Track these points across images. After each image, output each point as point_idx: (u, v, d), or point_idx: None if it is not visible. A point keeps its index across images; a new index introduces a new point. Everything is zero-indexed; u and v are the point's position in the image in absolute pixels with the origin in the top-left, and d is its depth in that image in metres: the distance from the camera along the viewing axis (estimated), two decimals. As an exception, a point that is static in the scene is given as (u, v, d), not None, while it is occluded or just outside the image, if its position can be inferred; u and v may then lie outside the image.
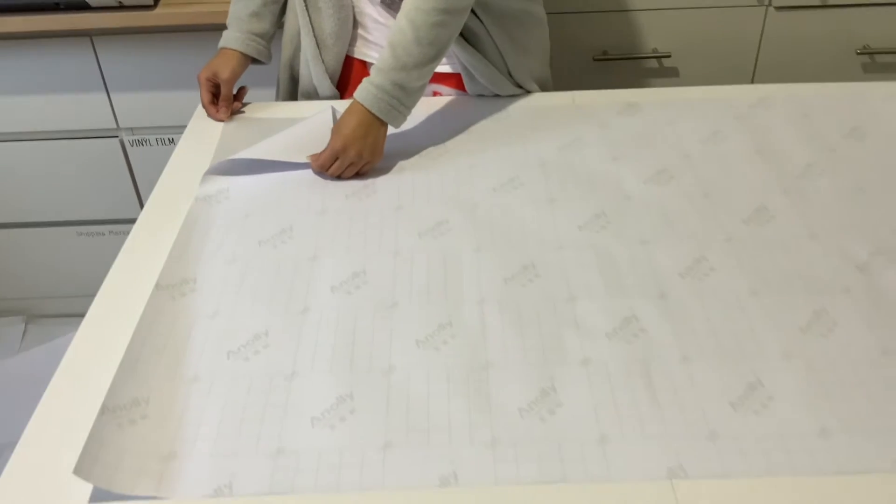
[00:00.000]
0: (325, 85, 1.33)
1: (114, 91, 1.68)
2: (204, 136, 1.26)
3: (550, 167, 1.15)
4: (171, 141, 1.75)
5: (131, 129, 1.75)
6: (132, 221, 1.96)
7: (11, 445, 0.77)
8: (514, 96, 1.33)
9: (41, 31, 1.55)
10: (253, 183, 1.14)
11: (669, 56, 1.66)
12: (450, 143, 1.22)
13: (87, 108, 1.70)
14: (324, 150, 1.14)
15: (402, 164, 1.18)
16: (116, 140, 1.75)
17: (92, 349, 0.89)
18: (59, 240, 1.91)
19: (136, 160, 1.79)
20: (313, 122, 1.22)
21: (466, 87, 1.32)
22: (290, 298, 0.94)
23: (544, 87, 1.36)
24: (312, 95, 1.36)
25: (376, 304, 0.93)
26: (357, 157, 1.13)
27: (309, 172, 1.16)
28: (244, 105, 1.33)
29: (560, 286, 0.94)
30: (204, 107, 1.29)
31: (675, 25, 1.64)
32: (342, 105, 1.26)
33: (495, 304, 0.92)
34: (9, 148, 1.75)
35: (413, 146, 1.21)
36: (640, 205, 1.07)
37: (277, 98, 1.41)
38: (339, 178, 1.14)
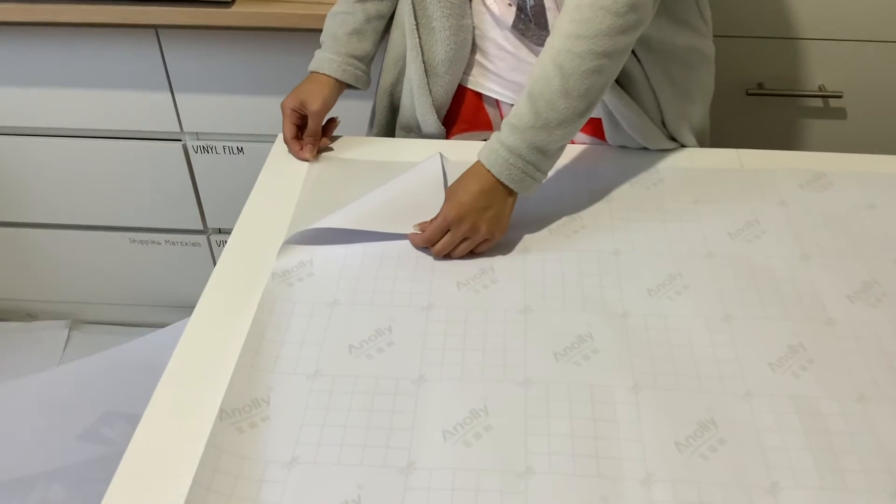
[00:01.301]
0: (430, 120, 1.08)
1: (179, 91, 1.46)
2: (284, 177, 1.03)
3: (721, 264, 0.90)
4: (240, 150, 1.53)
5: (196, 133, 1.53)
6: (191, 232, 1.78)
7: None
8: (665, 151, 1.07)
9: (103, 22, 1.33)
10: (341, 257, 0.91)
11: (840, 96, 1.37)
12: (587, 214, 0.97)
13: (149, 108, 1.49)
14: (433, 220, 0.90)
15: (526, 240, 0.94)
16: (179, 144, 1.54)
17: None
18: (110, 245, 1.72)
19: (200, 167, 1.57)
20: (417, 177, 0.98)
21: (607, 135, 1.06)
22: (389, 452, 0.71)
23: (701, 139, 1.10)
24: (413, 129, 1.12)
25: (502, 460, 0.70)
26: (473, 232, 0.89)
27: (408, 245, 0.92)
28: (332, 141, 1.09)
29: (754, 456, 0.70)
30: (286, 142, 1.06)
31: (848, 59, 1.35)
32: (450, 148, 1.02)
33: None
34: (62, 144, 1.55)
35: (539, 213, 0.97)
36: (849, 335, 0.82)
37: (371, 128, 1.17)
38: (447, 256, 0.90)
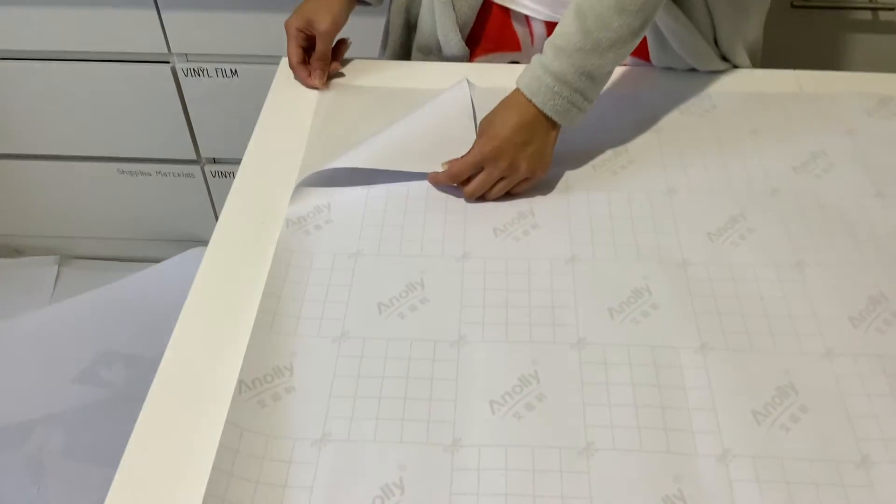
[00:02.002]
0: (452, 39, 0.96)
1: (165, 8, 1.32)
2: (291, 107, 0.92)
3: (787, 203, 0.80)
4: (234, 73, 1.40)
5: (185, 55, 1.40)
6: (183, 162, 1.66)
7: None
8: (716, 73, 0.96)
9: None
10: (362, 201, 0.81)
11: (893, 8, 1.25)
12: (634, 147, 0.87)
13: (133, 27, 1.35)
14: (464, 156, 0.80)
15: (568, 177, 0.84)
16: (167, 67, 1.41)
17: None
18: (97, 176, 1.60)
19: (191, 92, 1.45)
20: (443, 107, 0.87)
21: (652, 55, 0.95)
22: (431, 427, 0.63)
23: (754, 59, 0.99)
24: (433, 51, 1.00)
25: (560, 435, 0.62)
26: (512, 171, 0.79)
27: (438, 187, 0.82)
28: (342, 65, 0.97)
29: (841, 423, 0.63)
30: (292, 67, 0.94)
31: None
32: (474, 72, 0.91)
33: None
34: (42, 69, 1.42)
35: (580, 145, 0.86)
36: (937, 284, 0.73)
37: (384, 51, 1.05)
38: (481, 198, 0.80)
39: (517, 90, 0.79)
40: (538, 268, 0.74)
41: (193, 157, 1.55)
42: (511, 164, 0.78)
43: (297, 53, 0.93)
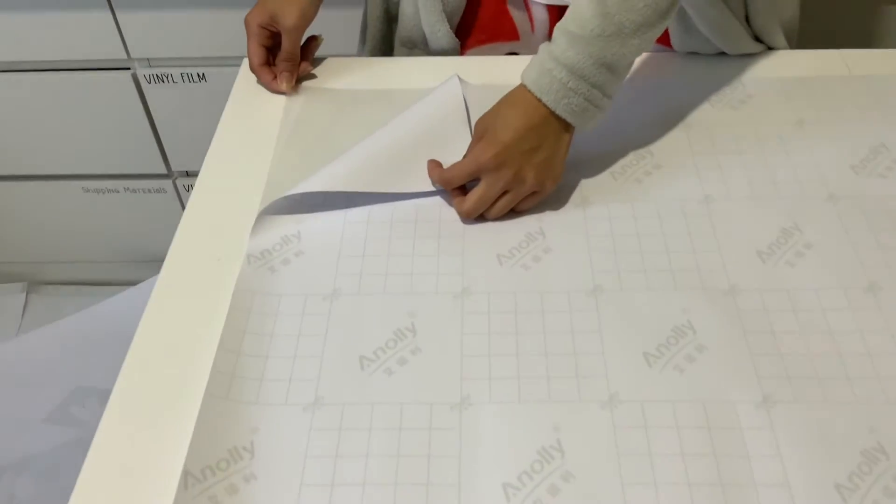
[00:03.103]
0: (439, 30, 0.83)
1: (120, 8, 1.19)
2: (254, 116, 0.79)
3: (849, 210, 0.67)
4: (202, 77, 1.27)
5: (147, 59, 1.26)
6: (153, 177, 1.51)
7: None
8: (749, 57, 0.82)
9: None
10: (338, 228, 0.67)
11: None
12: (660, 148, 0.73)
13: (87, 31, 1.22)
14: (458, 163, 0.67)
15: (583, 188, 0.70)
16: (128, 74, 1.27)
17: None
18: (61, 196, 1.47)
19: (156, 101, 1.31)
20: (432, 110, 0.73)
21: (674, 39, 0.81)
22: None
23: (790, 39, 0.85)
24: (417, 45, 0.87)
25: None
26: (517, 183, 0.65)
27: (426, 206, 0.69)
28: (314, 65, 0.84)
29: None
30: (253, 69, 0.81)
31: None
32: (466, 66, 0.78)
33: None
34: (-13, 80, 1.29)
35: (597, 149, 0.73)
36: None
37: (363, 47, 0.91)
38: (480, 217, 0.67)
39: (522, 87, 0.65)
40: (554, 303, 0.61)
41: (163, 170, 1.41)
42: (516, 175, 0.65)
43: (259, 54, 0.79)
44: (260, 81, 0.81)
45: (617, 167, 0.72)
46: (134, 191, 1.45)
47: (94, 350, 1.54)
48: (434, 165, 0.69)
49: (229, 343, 0.58)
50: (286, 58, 0.79)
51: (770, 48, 0.83)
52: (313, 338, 0.59)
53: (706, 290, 0.61)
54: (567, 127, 0.65)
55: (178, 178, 1.43)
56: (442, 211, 0.68)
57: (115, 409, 0.56)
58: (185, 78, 1.27)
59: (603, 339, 0.58)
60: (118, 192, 1.45)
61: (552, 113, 0.64)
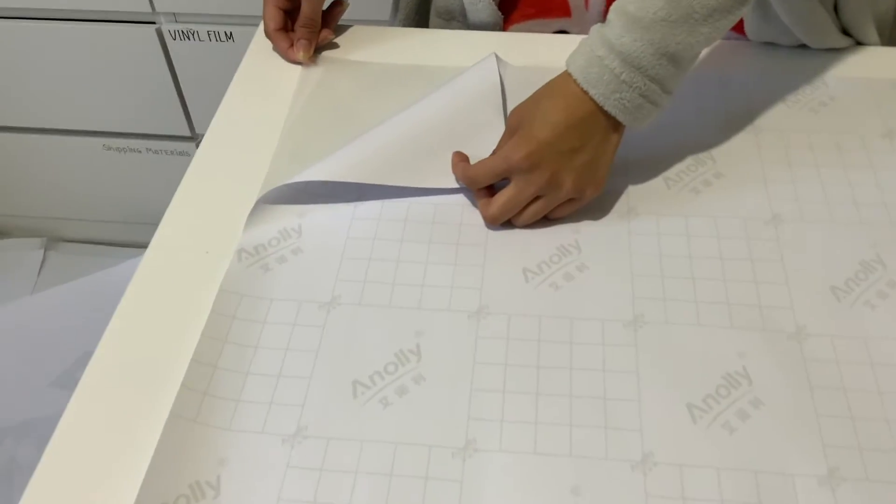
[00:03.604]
0: (481, 1, 0.73)
1: (145, -43, 1.11)
2: (265, 90, 0.70)
3: (947, 243, 0.57)
4: (229, 36, 1.19)
5: (173, 14, 1.19)
6: (177, 139, 1.44)
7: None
8: (834, 52, 0.71)
9: None
10: (345, 222, 0.59)
11: None
12: (723, 154, 0.63)
13: (109, -20, 1.15)
14: (486, 159, 0.58)
15: (630, 195, 0.60)
16: (153, 29, 1.20)
17: None
18: (82, 153, 1.41)
19: (181, 59, 1.24)
20: (464, 94, 0.64)
21: (748, 27, 0.70)
22: None
23: (883, 34, 0.74)
24: (455, 17, 0.77)
25: None
26: (553, 188, 0.56)
27: (445, 206, 0.60)
28: (337, 33, 0.75)
29: None
30: (268, 35, 0.72)
31: None
32: (508, 44, 0.69)
33: None
34: (9, 28, 1.22)
35: (649, 150, 0.63)
36: None
37: (395, 14, 0.82)
38: (508, 222, 0.58)
39: (566, 75, 0.55)
40: (585, 333, 0.52)
41: (187, 132, 1.34)
42: (552, 178, 0.56)
43: (275, 17, 0.71)
44: (275, 49, 0.73)
45: (671, 173, 0.62)
46: (156, 152, 1.39)
47: (105, 315, 1.49)
48: (459, 159, 0.60)
49: (205, 354, 0.51)
50: (305, 23, 0.70)
51: (859, 43, 0.72)
52: (303, 354, 0.51)
53: (767, 332, 0.52)
54: (616, 126, 0.56)
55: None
56: (464, 213, 0.59)
57: (65, 435, 0.49)
58: (212, 36, 1.19)
59: (640, 383, 0.49)
60: (140, 151, 1.39)
61: (600, 108, 0.54)
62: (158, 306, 0.54)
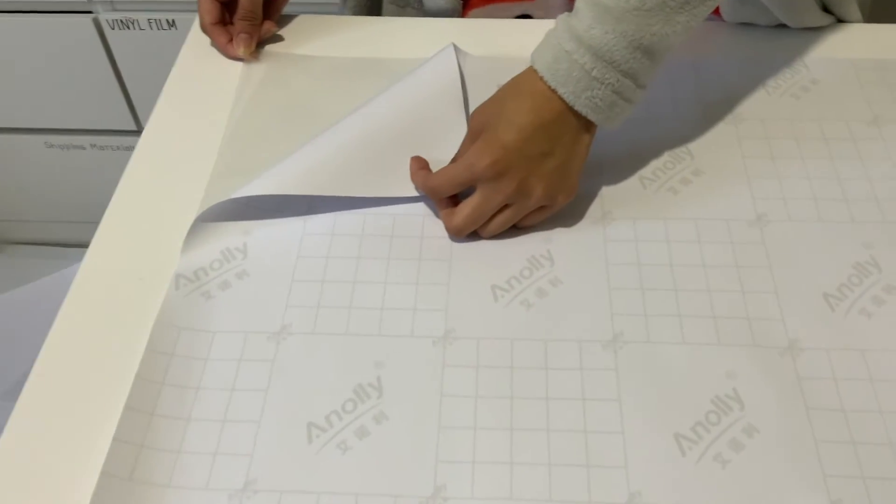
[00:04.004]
0: (437, -17, 0.68)
1: (76, -58, 1.03)
2: (203, 90, 0.64)
3: (944, 240, 0.53)
4: (171, 24, 1.12)
5: (111, 2, 1.11)
6: (122, 133, 1.38)
7: None
8: (814, 31, 0.67)
9: None
10: (294, 239, 0.54)
11: None
12: (701, 147, 0.59)
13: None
14: (448, 166, 0.53)
15: (603, 197, 0.56)
16: (89, 18, 1.12)
17: None
18: (23, 152, 1.33)
19: (121, 49, 1.16)
20: (421, 89, 0.59)
21: (724, 8, 0.66)
22: None
23: (865, 9, 0.69)
24: (410, 4, 0.72)
25: None
26: (522, 195, 0.51)
27: (404, 216, 0.55)
28: (281, 24, 0.69)
29: None
30: (205, 30, 0.66)
31: None
32: (466, 31, 0.64)
33: None
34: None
35: (622, 147, 0.58)
36: None
37: (345, 6, 0.76)
38: (473, 233, 0.53)
39: (532, 71, 0.50)
40: (561, 357, 0.47)
41: (133, 126, 1.27)
42: (521, 185, 0.51)
43: (211, 10, 0.65)
44: (213, 44, 0.66)
45: (647, 171, 0.57)
46: (101, 147, 1.31)
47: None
48: (418, 167, 0.54)
49: (140, 399, 0.45)
50: (244, 16, 0.64)
51: (840, 21, 0.67)
52: (251, 394, 0.46)
53: (758, 347, 0.48)
54: (588, 125, 0.51)
55: (150, 136, 1.29)
56: (425, 224, 0.54)
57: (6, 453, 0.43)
58: (153, 24, 1.12)
59: (623, 412, 0.45)
60: (84, 148, 1.31)
61: (570, 108, 0.49)
62: (90, 343, 0.49)
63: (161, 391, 0.46)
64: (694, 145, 0.59)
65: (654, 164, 0.58)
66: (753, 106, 0.61)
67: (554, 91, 0.49)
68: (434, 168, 0.55)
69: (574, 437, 0.44)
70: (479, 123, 0.52)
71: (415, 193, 0.55)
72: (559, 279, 0.51)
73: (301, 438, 0.44)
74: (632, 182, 0.57)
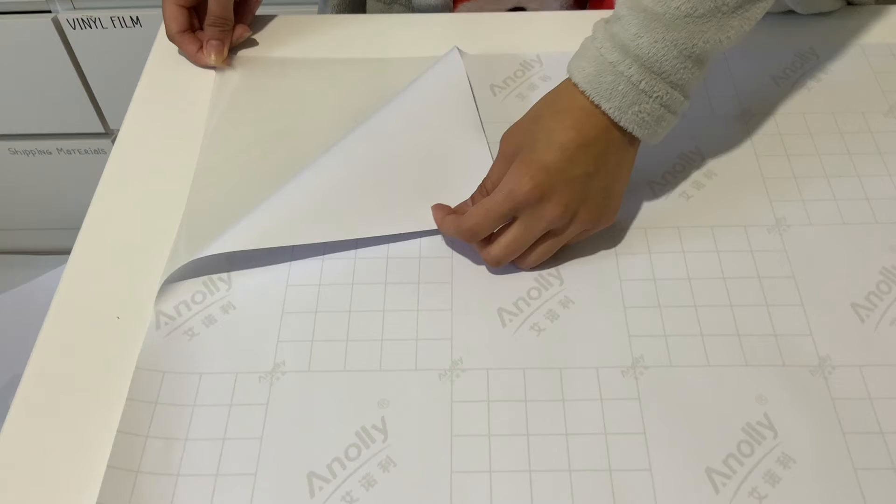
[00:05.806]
0: (422, -23, 0.63)
1: (30, -62, 0.97)
2: (173, 105, 0.60)
3: (974, 240, 0.50)
4: (136, 21, 1.06)
5: (70, 0, 1.05)
6: (90, 136, 1.32)
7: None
8: (824, 16, 0.63)
9: None
10: (283, 271, 0.50)
11: None
12: (711, 145, 0.55)
13: (-9, -34, 1.01)
14: (487, 202, 0.47)
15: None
16: (48, 18, 1.06)
17: None
18: (-14, 158, 1.27)
19: (83, 49, 1.10)
20: (427, 105, 0.55)
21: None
22: None
23: (874, -9, 0.66)
24: (397, 0, 0.67)
25: None
26: (565, 220, 0.47)
27: (402, 241, 0.51)
28: (256, 27, 0.64)
29: None
30: (171, 39, 0.61)
31: None
32: (461, 27, 0.60)
33: None
34: None
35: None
36: None
37: (326, 4, 0.71)
38: (511, 264, 0.49)
39: (571, 85, 0.46)
40: (580, 386, 0.44)
41: (100, 129, 1.21)
42: (565, 211, 0.46)
43: (178, 18, 0.60)
44: (183, 52, 0.62)
45: (656, 176, 0.54)
46: (69, 151, 1.25)
47: (33, 330, 1.37)
48: (443, 214, 0.49)
49: (122, 458, 0.41)
50: (214, 22, 0.59)
51: (851, 3, 0.64)
52: (245, 443, 0.43)
53: (787, 367, 0.44)
54: (632, 141, 0.47)
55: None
56: (423, 242, 0.50)
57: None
58: (116, 22, 1.06)
59: (649, 447, 0.42)
60: (51, 153, 1.26)
61: (614, 124, 0.45)
62: (63, 394, 0.45)
63: (146, 444, 0.42)
64: (703, 144, 0.55)
65: (663, 168, 0.54)
66: (763, 99, 0.58)
67: (597, 106, 0.45)
68: (453, 202, 0.50)
69: (598, 477, 0.41)
70: (513, 146, 0.48)
71: (433, 227, 0.51)
72: (570, 299, 0.48)
73: (302, 491, 0.41)
74: (641, 188, 0.53)
